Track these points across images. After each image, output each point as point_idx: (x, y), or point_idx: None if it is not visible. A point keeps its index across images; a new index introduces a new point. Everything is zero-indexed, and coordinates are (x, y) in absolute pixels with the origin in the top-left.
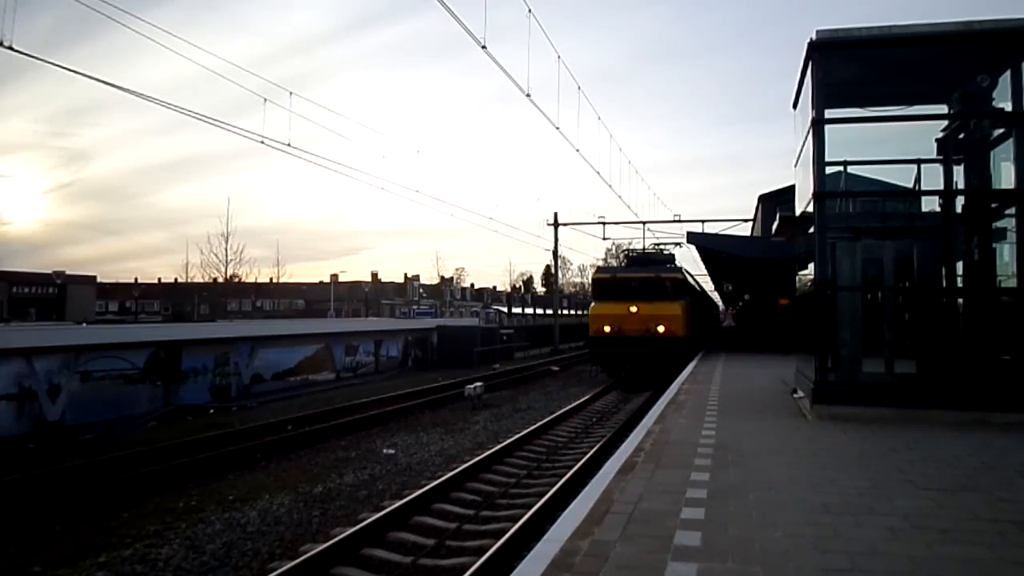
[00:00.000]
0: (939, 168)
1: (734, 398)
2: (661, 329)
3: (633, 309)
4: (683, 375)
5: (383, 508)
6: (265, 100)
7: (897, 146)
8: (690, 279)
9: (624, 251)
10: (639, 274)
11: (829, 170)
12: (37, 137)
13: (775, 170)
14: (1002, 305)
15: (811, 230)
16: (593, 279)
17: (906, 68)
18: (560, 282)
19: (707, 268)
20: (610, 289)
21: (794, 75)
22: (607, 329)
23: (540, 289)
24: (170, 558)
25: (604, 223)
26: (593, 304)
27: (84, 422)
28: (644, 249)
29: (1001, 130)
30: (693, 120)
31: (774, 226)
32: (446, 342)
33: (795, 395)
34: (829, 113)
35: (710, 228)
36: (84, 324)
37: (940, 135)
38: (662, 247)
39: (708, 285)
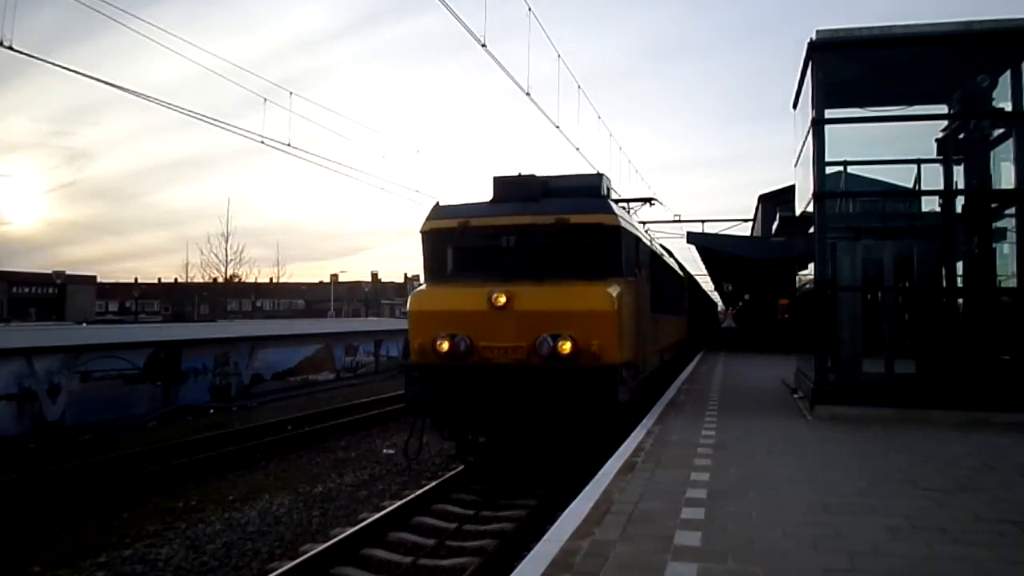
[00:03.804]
0: (939, 168)
1: (734, 398)
2: (566, 347)
3: (501, 300)
4: (682, 375)
5: (383, 508)
6: (265, 100)
7: (897, 146)
8: (646, 239)
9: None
10: (521, 218)
11: (829, 170)
12: (38, 137)
13: (775, 170)
14: (1002, 305)
15: (811, 230)
16: (423, 230)
17: (906, 68)
18: None
19: (707, 268)
20: (456, 253)
21: (795, 75)
22: (443, 347)
23: None
24: (170, 558)
25: None
26: (418, 289)
27: (84, 422)
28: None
29: (1001, 130)
30: (693, 120)
31: (774, 226)
32: None
33: (795, 395)
34: (829, 113)
35: (710, 228)
36: (84, 324)
37: (940, 135)
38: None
39: (708, 285)
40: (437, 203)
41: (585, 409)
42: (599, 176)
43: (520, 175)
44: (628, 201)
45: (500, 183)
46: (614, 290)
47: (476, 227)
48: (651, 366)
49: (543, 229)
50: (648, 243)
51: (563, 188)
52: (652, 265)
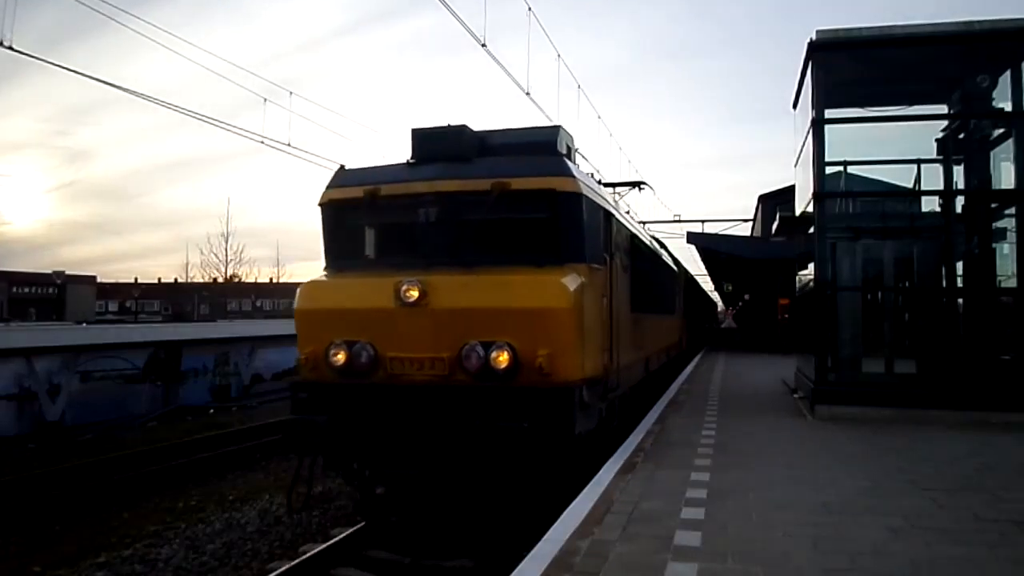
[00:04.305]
0: (939, 168)
1: (734, 398)
2: (503, 359)
3: (413, 294)
4: (682, 376)
5: None
6: (265, 100)
7: (897, 146)
8: (624, 218)
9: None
10: (446, 183)
11: (829, 170)
12: (38, 136)
13: (775, 170)
14: (1002, 305)
15: (811, 230)
16: (321, 203)
17: (906, 68)
18: None
19: (707, 268)
20: (363, 232)
21: (795, 75)
22: (338, 359)
23: None
24: (170, 558)
25: None
26: (308, 280)
27: (84, 422)
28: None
29: (1001, 130)
30: (693, 120)
31: (774, 226)
32: None
33: (795, 395)
34: (829, 113)
35: (710, 228)
36: (84, 324)
37: (940, 135)
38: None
39: (708, 285)
40: (341, 167)
41: (528, 446)
42: (555, 129)
43: (449, 126)
44: (615, 185)
45: (420, 137)
46: (572, 280)
47: (387, 197)
48: (631, 379)
49: (475, 198)
50: (626, 223)
51: (506, 145)
52: (632, 251)
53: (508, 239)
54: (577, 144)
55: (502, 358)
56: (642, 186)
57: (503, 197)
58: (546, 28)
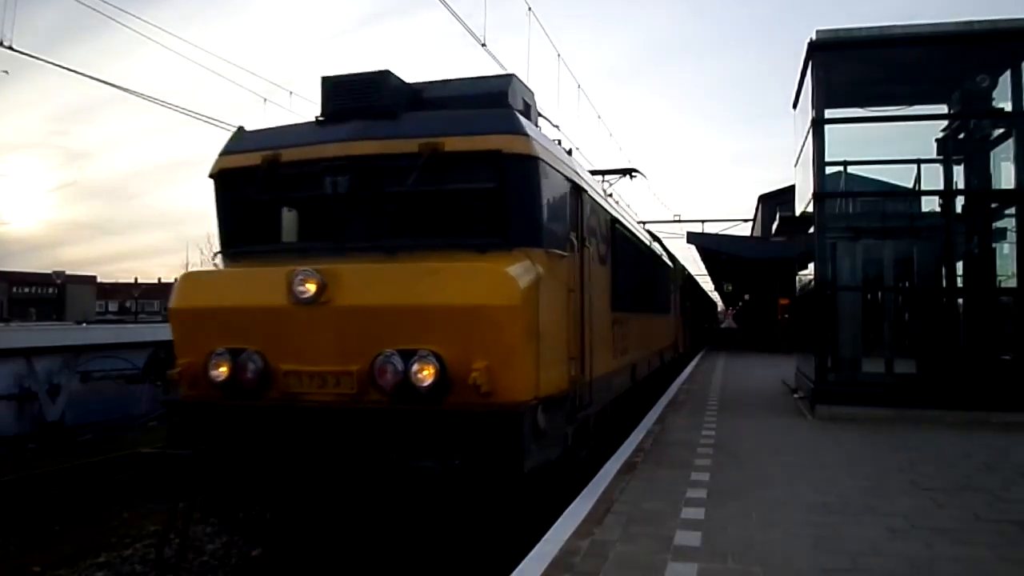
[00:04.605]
0: (939, 168)
1: (734, 398)
2: (428, 373)
3: (309, 288)
4: (682, 375)
5: None
6: (265, 100)
7: (897, 146)
8: (600, 195)
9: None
10: (362, 144)
11: (829, 170)
12: (38, 136)
13: (775, 170)
14: (1002, 305)
15: (811, 230)
16: (212, 173)
17: (906, 68)
18: None
19: (707, 268)
20: (260, 209)
21: (795, 75)
22: (220, 372)
23: None
24: (170, 558)
25: None
26: (186, 275)
27: (84, 422)
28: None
29: (1001, 130)
30: (694, 120)
31: (774, 226)
32: None
33: (795, 395)
34: (829, 113)
35: (710, 228)
36: (84, 324)
37: (940, 135)
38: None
39: (708, 285)
40: (239, 128)
41: (459, 490)
42: (507, 78)
43: (369, 72)
44: (604, 172)
45: (332, 86)
46: (522, 270)
47: (289, 164)
48: (610, 392)
49: (400, 163)
50: (605, 204)
51: (444, 98)
52: (614, 238)
53: (442, 216)
54: (581, 145)
55: (426, 372)
56: (634, 174)
57: (435, 161)
58: (546, 28)
